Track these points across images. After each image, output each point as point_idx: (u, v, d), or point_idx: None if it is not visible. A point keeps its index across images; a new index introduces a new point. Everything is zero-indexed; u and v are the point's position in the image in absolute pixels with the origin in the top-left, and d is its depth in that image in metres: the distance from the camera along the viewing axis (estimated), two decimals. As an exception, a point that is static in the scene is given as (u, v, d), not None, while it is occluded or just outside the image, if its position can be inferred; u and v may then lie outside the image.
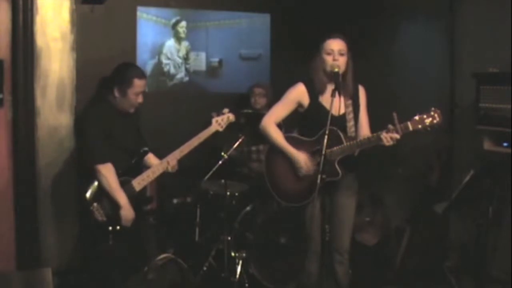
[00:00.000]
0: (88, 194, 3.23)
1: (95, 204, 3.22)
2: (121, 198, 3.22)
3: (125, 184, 3.33)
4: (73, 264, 3.94)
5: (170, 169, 3.43)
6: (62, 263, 3.99)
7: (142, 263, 3.50)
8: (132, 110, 3.38)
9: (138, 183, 3.37)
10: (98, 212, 3.22)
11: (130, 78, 3.28)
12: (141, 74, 3.34)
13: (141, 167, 3.47)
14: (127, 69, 3.33)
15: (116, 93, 3.31)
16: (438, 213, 3.62)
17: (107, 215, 3.24)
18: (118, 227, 3.27)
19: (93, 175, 3.24)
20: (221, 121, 3.53)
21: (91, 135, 3.28)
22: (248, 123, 4.18)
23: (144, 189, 3.45)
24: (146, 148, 3.48)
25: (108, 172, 3.21)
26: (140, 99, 3.34)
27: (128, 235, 3.33)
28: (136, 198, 3.36)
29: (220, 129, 3.53)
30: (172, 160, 3.41)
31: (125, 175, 3.36)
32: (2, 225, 3.85)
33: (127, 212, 3.24)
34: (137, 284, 3.47)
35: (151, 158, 3.57)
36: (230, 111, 3.59)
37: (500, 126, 3.45)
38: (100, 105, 3.41)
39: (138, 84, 3.29)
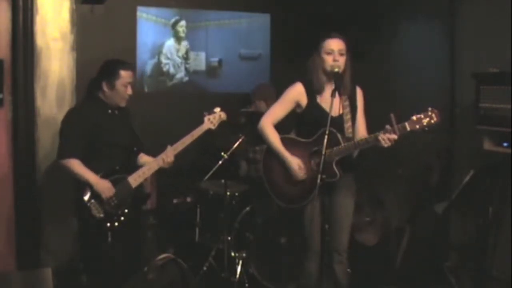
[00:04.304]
0: (86, 191, 3.26)
1: (92, 200, 3.25)
2: (90, 176, 3.24)
3: (120, 181, 3.35)
4: (73, 264, 3.94)
5: (166, 165, 3.45)
6: (62, 263, 3.99)
7: (140, 261, 3.51)
8: (123, 103, 3.42)
9: (135, 179, 3.39)
10: (96, 209, 3.25)
11: (116, 70, 3.35)
12: (127, 66, 3.42)
13: (137, 166, 3.50)
14: (112, 63, 3.41)
15: (105, 88, 3.36)
16: (438, 213, 3.62)
17: (105, 211, 3.27)
18: (116, 224, 3.29)
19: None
20: (213, 119, 3.57)
21: (61, 132, 3.37)
22: (248, 123, 4.18)
23: (141, 186, 3.47)
24: (135, 148, 3.51)
25: (70, 166, 3.26)
26: (129, 90, 3.39)
27: (127, 232, 3.34)
28: (133, 195, 3.38)
29: (213, 127, 3.56)
30: (166, 157, 3.43)
31: (121, 172, 3.38)
32: (2, 225, 3.86)
33: (100, 185, 3.25)
34: (137, 284, 3.47)
35: (143, 157, 3.60)
36: (221, 110, 3.62)
37: (500, 126, 3.45)
38: (83, 103, 3.47)
39: (125, 74, 3.36)
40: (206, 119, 3.55)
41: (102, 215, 3.26)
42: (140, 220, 3.53)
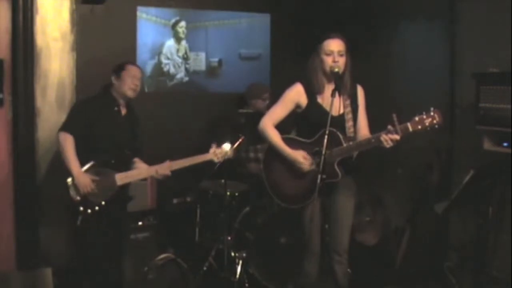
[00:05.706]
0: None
1: (70, 179, 3.34)
2: (74, 167, 3.34)
3: (107, 174, 3.40)
4: (73, 264, 3.94)
5: (158, 177, 3.55)
6: (62, 263, 3.99)
7: (109, 260, 3.56)
8: (130, 93, 3.52)
9: (121, 178, 3.45)
10: (74, 190, 3.33)
11: (123, 64, 3.57)
12: (134, 63, 3.63)
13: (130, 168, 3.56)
14: (122, 61, 3.61)
15: (114, 80, 3.54)
16: (438, 213, 3.62)
17: (83, 194, 3.34)
18: (89, 211, 3.35)
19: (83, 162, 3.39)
20: (219, 153, 3.62)
21: (69, 112, 3.54)
22: (248, 123, 4.18)
23: (126, 186, 3.54)
24: (127, 152, 3.55)
25: (65, 141, 3.36)
26: (136, 82, 3.54)
27: (97, 224, 3.38)
28: (115, 191, 3.43)
29: (216, 160, 3.62)
30: (160, 169, 3.50)
31: (113, 167, 3.43)
32: (2, 225, 3.86)
33: (80, 179, 3.33)
34: (137, 284, 3.47)
35: (138, 163, 3.63)
36: (231, 147, 3.66)
37: (500, 126, 3.45)
38: (95, 96, 3.58)
39: (131, 68, 3.56)
40: (211, 150, 3.61)
41: (78, 198, 3.33)
42: (115, 219, 3.53)
